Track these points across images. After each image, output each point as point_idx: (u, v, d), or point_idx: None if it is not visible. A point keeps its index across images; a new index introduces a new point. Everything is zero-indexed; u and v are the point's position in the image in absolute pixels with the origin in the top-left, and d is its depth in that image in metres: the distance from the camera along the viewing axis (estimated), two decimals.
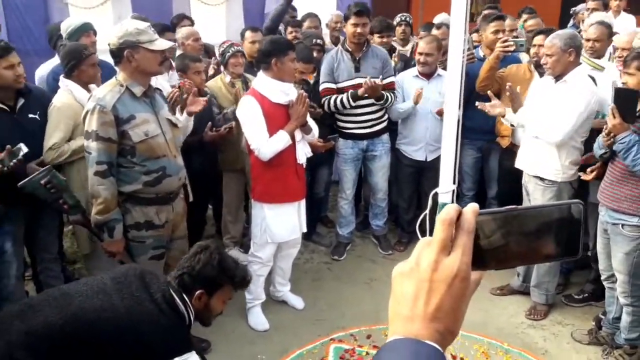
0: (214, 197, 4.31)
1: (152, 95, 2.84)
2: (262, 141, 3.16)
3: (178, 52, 4.18)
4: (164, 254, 2.94)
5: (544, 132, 3.33)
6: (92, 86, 3.29)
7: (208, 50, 5.02)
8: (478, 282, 0.64)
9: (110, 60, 3.02)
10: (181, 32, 4.40)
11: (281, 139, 3.19)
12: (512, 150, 3.90)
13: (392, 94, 4.12)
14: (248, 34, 4.66)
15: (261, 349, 3.35)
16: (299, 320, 3.63)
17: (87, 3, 5.40)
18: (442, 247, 0.61)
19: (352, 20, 4.04)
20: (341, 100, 4.04)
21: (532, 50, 3.90)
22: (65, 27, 3.88)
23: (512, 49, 3.82)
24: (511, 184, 4.04)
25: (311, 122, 3.45)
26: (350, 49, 4.12)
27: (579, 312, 3.73)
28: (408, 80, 4.28)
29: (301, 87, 3.78)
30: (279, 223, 3.38)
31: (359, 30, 4.02)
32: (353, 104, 4.03)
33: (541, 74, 3.84)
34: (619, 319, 3.27)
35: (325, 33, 5.60)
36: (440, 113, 3.91)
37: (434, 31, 4.69)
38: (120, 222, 2.72)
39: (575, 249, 0.64)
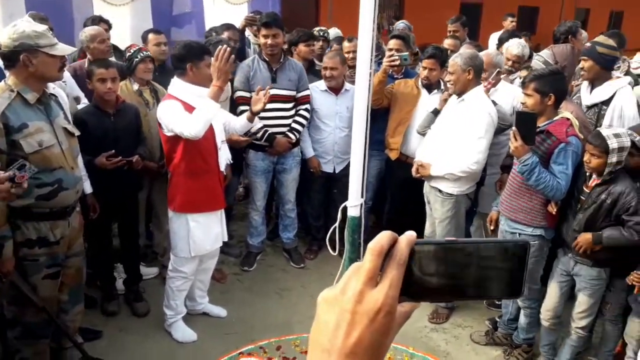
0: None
1: (46, 102, 2.65)
2: (187, 119, 2.95)
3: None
4: (59, 272, 2.75)
5: (456, 166, 3.46)
6: None
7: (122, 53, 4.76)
8: (409, 314, 0.61)
9: None
10: (84, 33, 4.06)
11: (207, 107, 2.94)
12: (404, 161, 4.06)
13: (301, 120, 4.17)
14: (151, 36, 4.44)
15: None
16: (206, 336, 3.53)
17: None
18: (369, 278, 0.58)
19: (262, 32, 4.02)
20: (255, 129, 3.99)
21: (424, 74, 4.05)
22: None
23: (397, 62, 3.98)
24: (402, 193, 4.22)
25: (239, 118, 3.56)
26: (267, 59, 4.09)
27: (476, 314, 3.94)
28: (317, 94, 4.30)
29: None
30: (204, 234, 3.29)
31: (269, 41, 3.99)
32: (262, 141, 4.07)
33: (429, 91, 4.07)
34: (513, 320, 3.51)
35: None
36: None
37: (345, 44, 4.78)
38: (9, 240, 2.50)
39: (517, 289, 0.61)
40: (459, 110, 3.52)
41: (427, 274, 0.60)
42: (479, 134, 3.41)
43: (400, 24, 6.13)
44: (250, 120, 3.53)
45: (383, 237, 0.59)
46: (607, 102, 3.59)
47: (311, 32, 4.84)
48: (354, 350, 0.56)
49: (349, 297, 0.58)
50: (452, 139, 3.53)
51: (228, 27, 4.76)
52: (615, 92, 3.56)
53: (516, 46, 4.30)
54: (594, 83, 3.67)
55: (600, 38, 3.71)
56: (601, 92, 3.62)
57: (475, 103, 3.45)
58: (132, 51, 3.82)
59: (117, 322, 3.61)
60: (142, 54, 3.77)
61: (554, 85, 2.99)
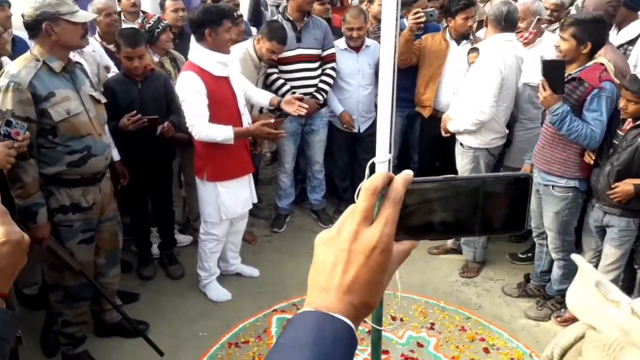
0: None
1: (72, 71, 2.67)
2: (200, 119, 3.03)
3: None
4: (94, 237, 2.83)
5: (469, 118, 3.43)
6: (4, 59, 3.06)
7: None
8: (408, 252, 0.62)
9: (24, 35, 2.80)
10: (92, 6, 3.95)
11: (224, 132, 3.05)
12: (435, 117, 3.99)
13: (327, 80, 4.10)
14: (169, 2, 4.41)
15: (202, 326, 3.32)
16: (240, 295, 3.61)
17: None
18: (364, 217, 0.58)
19: None
20: (282, 91, 3.99)
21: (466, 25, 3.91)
22: None
23: (423, 19, 3.86)
24: (434, 151, 4.17)
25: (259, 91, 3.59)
26: (291, 18, 4.02)
27: (508, 268, 3.93)
28: (337, 53, 4.20)
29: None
30: (233, 199, 3.33)
31: None
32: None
33: (457, 43, 3.97)
34: (546, 272, 3.48)
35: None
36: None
37: None
38: (43, 207, 2.58)
39: (520, 224, 0.61)
40: (476, 63, 3.52)
41: (425, 212, 0.60)
42: (488, 84, 3.36)
43: None
44: (273, 104, 3.51)
45: (377, 177, 0.59)
46: (632, 42, 3.59)
47: None
48: (351, 288, 0.57)
49: (344, 237, 0.58)
50: (469, 91, 3.52)
51: None
52: None
53: None
54: (620, 25, 3.69)
55: None
56: (627, 33, 3.63)
57: (486, 54, 3.42)
58: (151, 22, 3.73)
59: (153, 285, 3.71)
60: (162, 24, 3.72)
61: (593, 34, 2.88)
